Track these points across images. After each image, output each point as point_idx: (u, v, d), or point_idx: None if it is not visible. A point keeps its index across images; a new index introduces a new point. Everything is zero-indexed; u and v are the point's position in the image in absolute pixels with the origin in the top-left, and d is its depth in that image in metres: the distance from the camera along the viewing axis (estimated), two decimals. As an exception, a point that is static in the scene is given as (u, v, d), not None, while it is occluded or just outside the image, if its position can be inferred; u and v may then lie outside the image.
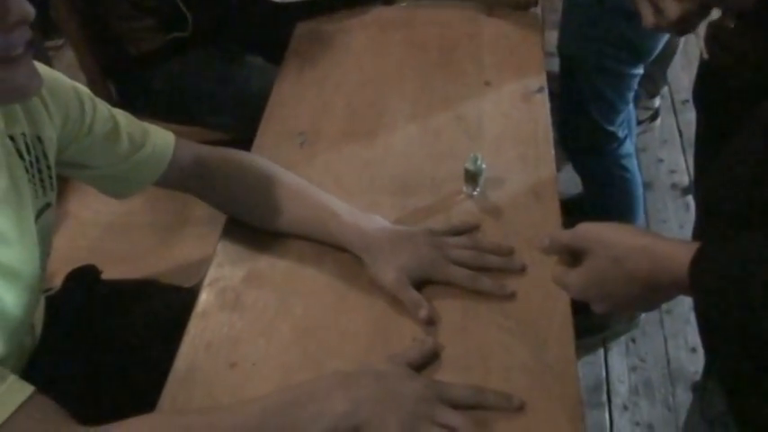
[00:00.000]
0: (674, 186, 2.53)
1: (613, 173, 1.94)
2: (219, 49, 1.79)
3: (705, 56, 1.15)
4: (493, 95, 1.39)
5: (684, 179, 2.55)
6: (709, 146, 1.18)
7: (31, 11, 0.77)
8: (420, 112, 1.36)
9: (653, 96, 2.65)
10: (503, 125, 1.32)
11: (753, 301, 0.61)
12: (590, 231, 0.82)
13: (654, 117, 2.71)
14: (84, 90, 1.05)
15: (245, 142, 1.83)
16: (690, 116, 2.79)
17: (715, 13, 1.05)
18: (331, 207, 1.09)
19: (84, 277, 1.25)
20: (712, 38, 1.11)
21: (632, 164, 1.95)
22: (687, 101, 2.85)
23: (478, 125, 1.32)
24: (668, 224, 2.39)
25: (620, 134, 1.88)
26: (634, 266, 0.75)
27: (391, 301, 1.02)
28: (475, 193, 1.18)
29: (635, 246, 0.76)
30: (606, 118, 1.83)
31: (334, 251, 1.08)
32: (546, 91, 1.40)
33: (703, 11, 0.89)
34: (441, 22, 1.59)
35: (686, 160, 2.61)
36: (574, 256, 0.85)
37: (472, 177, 1.17)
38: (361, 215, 1.09)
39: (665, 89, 2.78)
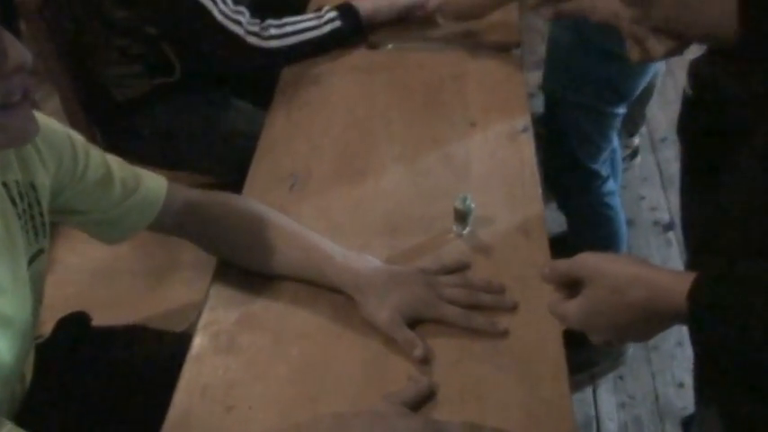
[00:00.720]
0: (655, 223, 2.56)
1: (597, 210, 1.96)
2: (206, 94, 1.80)
3: (689, 91, 1.17)
4: (479, 136, 1.41)
5: (665, 216, 2.59)
6: (696, 180, 1.21)
7: (29, 58, 0.78)
8: (408, 152, 1.37)
9: (632, 135, 2.69)
10: (490, 165, 1.34)
11: (753, 330, 0.63)
12: (589, 261, 0.83)
13: (634, 155, 2.75)
14: (77, 136, 1.06)
15: (235, 186, 1.84)
16: (668, 154, 2.84)
17: (697, 50, 1.08)
18: (323, 248, 1.10)
19: (74, 325, 1.24)
20: (695, 74, 1.14)
21: (615, 201, 1.97)
22: (665, 139, 2.90)
23: (466, 165, 1.34)
24: (651, 261, 2.41)
25: (604, 172, 1.91)
26: (633, 296, 0.76)
27: (386, 340, 1.02)
28: (465, 232, 1.19)
29: (634, 275, 0.77)
30: (590, 156, 1.86)
31: (328, 292, 1.09)
32: (531, 130, 1.43)
33: (686, 46, 0.92)
34: (425, 65, 1.61)
35: (667, 197, 2.65)
36: (570, 287, 0.86)
37: (461, 216, 1.18)
38: (354, 256, 1.10)
39: (644, 128, 2.82)
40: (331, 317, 1.06)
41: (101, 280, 1.59)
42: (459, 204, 1.17)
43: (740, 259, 0.74)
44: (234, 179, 1.83)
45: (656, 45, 0.88)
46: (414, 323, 1.04)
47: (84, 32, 1.71)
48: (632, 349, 2.11)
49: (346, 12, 1.64)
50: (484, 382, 0.97)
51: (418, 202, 1.27)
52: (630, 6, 0.83)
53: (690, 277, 0.71)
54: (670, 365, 2.10)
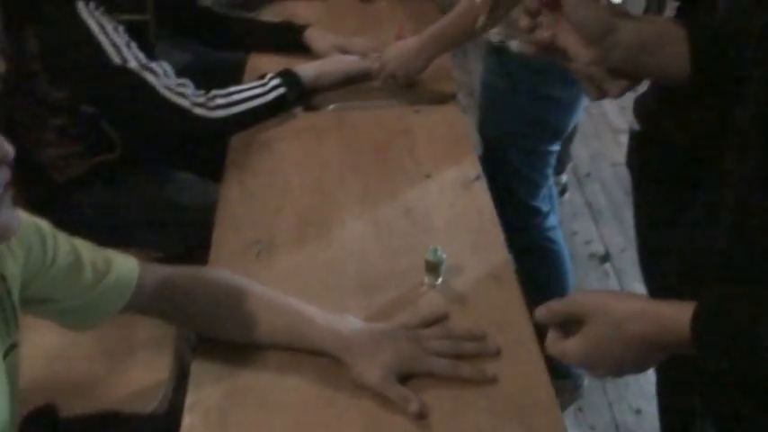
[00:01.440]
0: (591, 256, 2.65)
1: (542, 246, 2.01)
2: (148, 168, 1.79)
3: (636, 127, 1.24)
4: (435, 187, 1.44)
5: (600, 248, 2.67)
6: (655, 211, 1.26)
7: (9, 150, 0.77)
8: (368, 210, 1.39)
9: (560, 173, 2.79)
10: (450, 215, 1.37)
11: (764, 353, 0.66)
12: (587, 298, 0.86)
13: (563, 192, 2.85)
14: (44, 223, 1.04)
15: (185, 258, 1.82)
16: (594, 187, 2.95)
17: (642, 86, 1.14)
18: (304, 313, 1.09)
19: (43, 419, 1.20)
20: (642, 109, 1.20)
21: (558, 235, 2.03)
22: (589, 174, 3.01)
23: (427, 217, 1.37)
24: (593, 293, 2.48)
25: (544, 208, 1.97)
26: (634, 330, 0.79)
27: (379, 400, 1.02)
28: (437, 283, 1.21)
29: (633, 309, 0.80)
30: (530, 194, 1.92)
31: (313, 357, 1.08)
32: (483, 178, 1.47)
33: (638, 83, 0.97)
34: (371, 123, 1.65)
35: (598, 230, 2.74)
36: (564, 326, 0.88)
37: (433, 268, 1.20)
38: (335, 318, 1.10)
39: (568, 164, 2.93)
40: (320, 382, 1.06)
41: (59, 367, 1.53)
42: (430, 256, 1.19)
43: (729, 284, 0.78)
44: (183, 251, 1.82)
45: (613, 85, 0.93)
46: (404, 379, 1.04)
47: (18, 113, 1.68)
48: (587, 380, 2.16)
49: (289, 78, 1.66)
50: (483, 428, 0.98)
51: (386, 258, 1.28)
52: (590, 48, 0.87)
53: (689, 307, 0.74)
54: (625, 393, 2.15)
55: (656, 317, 0.78)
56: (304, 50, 1.90)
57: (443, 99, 1.74)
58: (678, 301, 0.76)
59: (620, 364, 0.83)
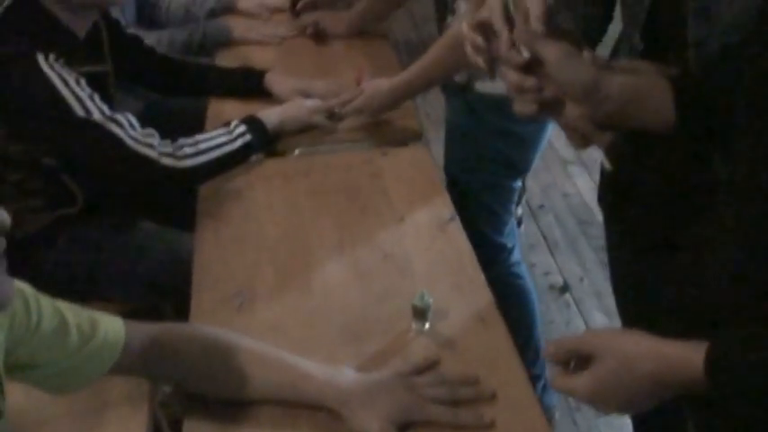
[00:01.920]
0: (551, 287, 2.68)
1: (508, 281, 2.03)
2: (111, 220, 1.74)
3: (608, 167, 1.26)
4: (411, 230, 1.45)
5: (558, 279, 2.71)
6: (635, 249, 1.28)
7: (5, 218, 0.75)
8: (347, 256, 1.38)
9: (516, 206, 2.82)
10: (429, 258, 1.38)
11: None
12: (597, 336, 0.86)
13: (518, 224, 2.88)
14: (25, 286, 1.00)
15: (152, 311, 1.78)
16: (548, 219, 3.00)
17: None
18: (298, 367, 1.08)
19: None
20: (613, 149, 1.22)
21: (523, 270, 2.06)
22: (542, 206, 3.06)
23: (406, 261, 1.37)
24: (555, 324, 2.52)
25: (509, 244, 1.99)
26: (644, 368, 0.80)
27: (380, 451, 1.01)
28: (425, 328, 1.21)
29: (644, 349, 0.81)
30: (496, 230, 1.93)
31: (308, 411, 1.06)
32: (457, 218, 1.48)
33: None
34: (339, 167, 1.64)
35: (556, 261, 2.78)
36: (568, 363, 0.89)
37: (421, 313, 1.20)
38: (330, 370, 1.08)
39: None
40: (317, 436, 1.04)
41: (25, 430, 1.47)
42: (417, 302, 1.19)
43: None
44: (150, 303, 1.78)
45: (600, 136, 0.94)
46: (403, 428, 1.03)
47: (-27, 170, 1.63)
48: (558, 414, 2.17)
49: (254, 125, 1.65)
50: (486, 476, 0.98)
51: (370, 305, 1.27)
52: (577, 104, 0.89)
53: (698, 348, 0.75)
54: (596, 424, 2.17)
55: (667, 356, 0.79)
56: (265, 95, 1.89)
57: (409, 139, 1.75)
58: (687, 343, 0.78)
59: (630, 402, 0.84)
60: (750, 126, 0.78)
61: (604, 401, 0.86)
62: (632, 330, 0.85)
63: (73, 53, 1.53)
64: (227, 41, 2.22)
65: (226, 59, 2.15)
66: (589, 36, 1.20)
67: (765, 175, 0.76)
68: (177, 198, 1.65)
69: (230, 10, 2.42)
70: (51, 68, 1.48)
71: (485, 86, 1.70)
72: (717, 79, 0.94)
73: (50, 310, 1.01)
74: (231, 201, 1.55)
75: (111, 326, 1.06)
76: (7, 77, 1.48)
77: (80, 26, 1.59)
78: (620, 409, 0.87)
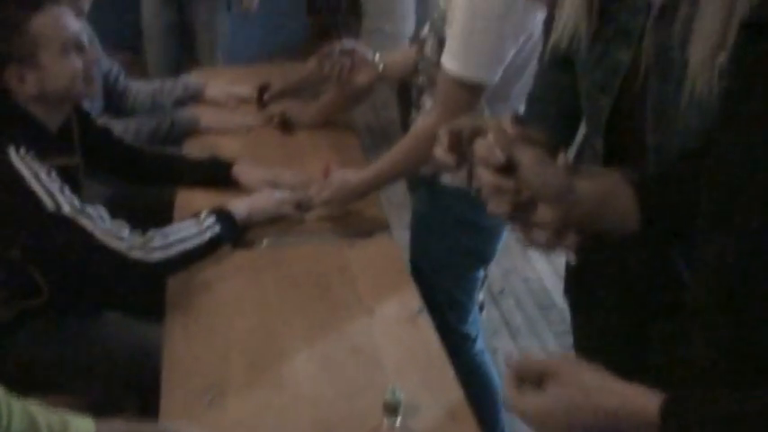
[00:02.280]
0: (513, 372, 2.69)
1: (473, 370, 2.04)
2: (75, 311, 1.73)
3: (572, 260, 1.30)
4: (379, 323, 1.47)
5: (520, 364, 2.72)
6: (602, 343, 1.31)
7: None
8: (316, 350, 1.39)
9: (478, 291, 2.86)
10: (398, 352, 1.39)
11: None
12: (564, 362, 0.87)
13: (480, 309, 2.91)
14: None
15: (117, 406, 1.74)
16: (509, 304, 3.03)
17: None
18: None
19: None
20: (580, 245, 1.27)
21: (487, 358, 2.07)
22: (503, 290, 3.10)
23: (375, 355, 1.38)
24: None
25: (473, 333, 2.01)
26: (603, 403, 0.81)
27: None
28: (397, 424, 1.21)
29: (607, 384, 0.82)
30: (460, 319, 1.96)
31: None
32: (425, 311, 1.50)
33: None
34: (308, 259, 1.66)
35: (518, 346, 2.81)
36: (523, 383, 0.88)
37: (392, 409, 1.20)
38: None
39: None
40: None
41: None
42: (389, 397, 1.20)
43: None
44: (115, 397, 1.75)
45: (570, 239, 0.98)
46: None
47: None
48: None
49: (223, 216, 1.66)
50: None
51: (342, 400, 1.28)
52: (549, 207, 0.93)
53: (659, 395, 0.78)
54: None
55: (627, 397, 0.81)
56: (233, 185, 1.92)
57: (375, 229, 1.78)
58: (651, 390, 0.80)
59: (578, 430, 0.84)
60: (713, 234, 0.82)
61: (555, 425, 0.85)
62: (596, 365, 0.87)
63: (44, 146, 1.54)
64: (194, 131, 2.25)
65: (193, 148, 2.17)
66: (559, 141, 1.26)
67: (732, 280, 0.79)
68: (143, 288, 1.65)
69: (197, 99, 2.46)
70: (22, 161, 1.48)
71: (450, 178, 1.75)
72: (677, 184, 1.00)
73: (20, 411, 1.00)
74: (200, 293, 1.55)
75: (83, 426, 1.05)
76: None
77: (53, 120, 1.61)
78: None
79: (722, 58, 0.96)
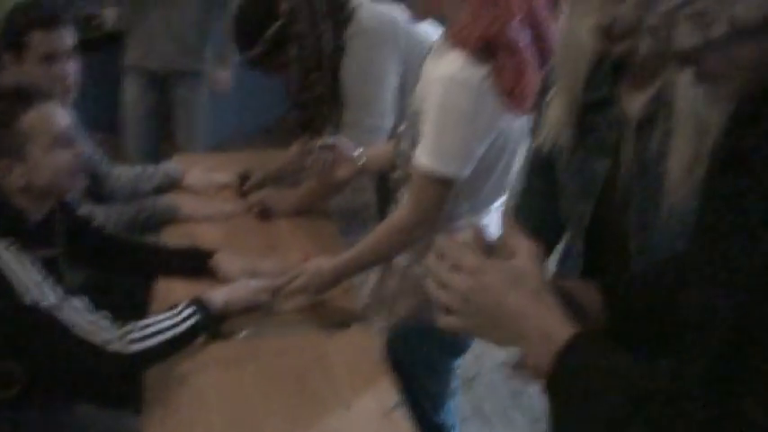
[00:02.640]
0: (487, 461, 2.69)
1: (448, 461, 2.05)
2: (46, 404, 1.71)
3: None
4: (357, 419, 1.48)
5: (493, 452, 2.73)
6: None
7: None
8: (294, 446, 1.40)
9: (451, 378, 2.87)
10: (375, 449, 1.40)
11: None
12: (528, 248, 0.88)
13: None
14: None
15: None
16: (479, 389, 3.04)
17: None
18: None
19: None
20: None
21: None
22: (475, 376, 3.11)
23: (353, 452, 1.39)
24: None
25: (449, 422, 2.03)
26: (524, 298, 0.83)
27: None
28: None
29: (549, 281, 0.85)
30: (436, 409, 1.97)
31: None
32: (402, 405, 1.52)
33: None
34: (286, 351, 1.68)
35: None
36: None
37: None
38: None
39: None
40: None
41: None
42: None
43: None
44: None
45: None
46: None
47: None
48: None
49: (201, 307, 1.68)
50: None
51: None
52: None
53: (574, 329, 0.81)
54: None
55: (554, 314, 0.83)
56: (212, 274, 1.94)
57: (352, 320, 1.81)
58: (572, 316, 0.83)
59: (489, 320, 0.85)
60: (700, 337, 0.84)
61: (472, 307, 0.85)
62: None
63: (26, 237, 1.56)
64: (173, 218, 2.28)
65: (172, 235, 2.19)
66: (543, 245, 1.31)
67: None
68: (120, 380, 1.64)
69: (176, 186, 2.49)
70: (6, 251, 1.50)
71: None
72: (660, 285, 1.04)
73: None
74: (178, 386, 1.56)
75: None
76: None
77: (36, 211, 1.64)
78: (477, 322, 0.86)
79: (700, 171, 1.01)
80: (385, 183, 2.32)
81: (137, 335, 1.56)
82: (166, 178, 2.49)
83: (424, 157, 1.65)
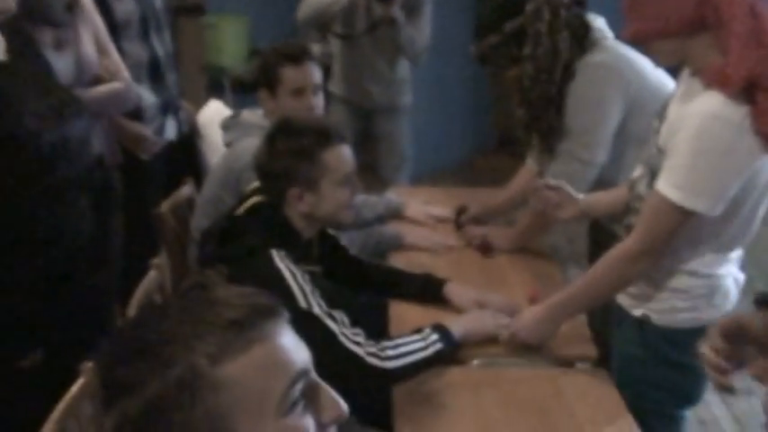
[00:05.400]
0: None
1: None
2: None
3: None
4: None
5: None
6: None
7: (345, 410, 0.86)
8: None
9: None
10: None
11: None
12: None
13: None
14: None
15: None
16: None
17: None
18: None
19: None
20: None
21: None
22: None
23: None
24: None
25: None
26: None
27: None
28: None
29: None
30: None
31: None
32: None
33: None
34: (522, 382, 1.74)
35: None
36: None
37: None
38: None
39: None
40: None
41: None
42: None
43: None
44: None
45: None
46: None
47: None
48: None
49: (444, 333, 1.77)
50: None
51: None
52: None
53: None
54: None
55: None
56: (443, 302, 2.03)
57: (583, 358, 1.83)
58: None
59: None
60: None
61: None
62: None
63: (297, 253, 1.71)
64: (399, 246, 2.40)
65: (397, 263, 2.30)
66: None
67: None
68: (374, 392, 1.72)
69: (397, 216, 2.62)
70: (282, 262, 1.66)
71: (664, 319, 1.78)
72: None
73: None
74: (425, 404, 1.65)
75: None
76: (245, 266, 1.64)
77: (308, 233, 1.79)
78: None
79: None
80: (599, 231, 2.34)
81: (392, 352, 1.67)
82: (389, 208, 2.62)
83: (670, 188, 1.62)
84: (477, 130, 5.52)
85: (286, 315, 0.88)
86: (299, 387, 0.84)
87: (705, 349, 1.19)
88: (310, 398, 0.85)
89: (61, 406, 1.45)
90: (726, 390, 1.18)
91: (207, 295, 0.85)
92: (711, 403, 3.14)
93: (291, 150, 1.74)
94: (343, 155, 1.78)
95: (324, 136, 1.75)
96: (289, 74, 2.30)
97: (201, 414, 0.79)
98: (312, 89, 2.33)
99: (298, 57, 2.32)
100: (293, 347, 0.86)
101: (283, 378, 0.83)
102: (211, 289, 0.86)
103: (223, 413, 0.79)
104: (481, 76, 4.36)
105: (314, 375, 0.87)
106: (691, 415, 3.00)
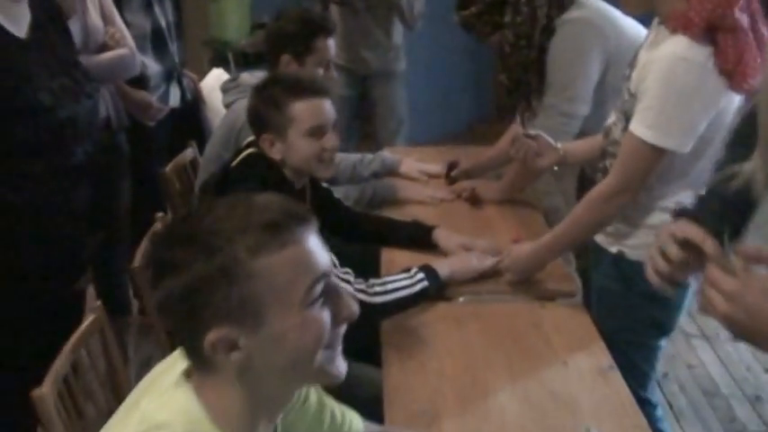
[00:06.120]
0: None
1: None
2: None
3: None
4: (574, 373, 1.63)
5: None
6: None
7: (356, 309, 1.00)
8: (517, 390, 1.57)
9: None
10: (593, 399, 1.55)
11: None
12: None
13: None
14: None
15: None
16: (672, 388, 3.06)
17: None
18: None
19: None
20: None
21: (666, 427, 2.14)
22: (666, 374, 3.14)
23: (572, 400, 1.54)
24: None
25: (653, 399, 2.09)
26: None
27: None
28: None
29: None
30: (640, 385, 1.98)
31: None
32: (616, 369, 1.64)
33: None
34: (503, 315, 1.86)
35: (682, 429, 2.83)
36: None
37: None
38: None
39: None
40: None
41: None
42: (584, 432, 1.36)
43: None
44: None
45: None
46: None
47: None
48: None
49: (430, 273, 1.88)
50: None
51: (543, 433, 1.44)
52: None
53: None
54: None
55: None
56: (431, 247, 2.15)
57: (564, 294, 1.95)
58: None
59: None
60: None
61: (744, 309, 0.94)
62: None
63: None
64: (392, 200, 2.52)
65: (391, 215, 2.42)
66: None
67: None
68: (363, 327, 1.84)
69: (392, 173, 2.73)
70: None
71: (637, 254, 1.89)
72: None
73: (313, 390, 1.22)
74: (411, 336, 1.77)
75: (355, 419, 1.27)
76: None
77: (297, 182, 1.91)
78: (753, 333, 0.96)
79: None
80: (584, 183, 2.44)
81: (379, 288, 1.79)
82: (383, 165, 2.73)
83: (642, 128, 1.71)
84: (479, 98, 5.60)
85: (315, 222, 1.00)
86: (320, 286, 0.97)
87: (654, 252, 1.26)
88: (329, 296, 0.99)
89: (73, 339, 1.58)
90: (665, 292, 1.27)
91: (249, 199, 0.98)
92: (698, 348, 3.26)
93: (264, 97, 1.87)
94: (314, 108, 1.86)
95: (297, 87, 1.86)
96: (323, 45, 2.37)
97: (237, 298, 0.93)
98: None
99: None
100: (318, 252, 0.98)
101: (309, 276, 0.96)
102: (253, 195, 0.99)
103: (255, 299, 0.93)
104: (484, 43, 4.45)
105: (334, 279, 1.01)
106: (678, 360, 3.15)
